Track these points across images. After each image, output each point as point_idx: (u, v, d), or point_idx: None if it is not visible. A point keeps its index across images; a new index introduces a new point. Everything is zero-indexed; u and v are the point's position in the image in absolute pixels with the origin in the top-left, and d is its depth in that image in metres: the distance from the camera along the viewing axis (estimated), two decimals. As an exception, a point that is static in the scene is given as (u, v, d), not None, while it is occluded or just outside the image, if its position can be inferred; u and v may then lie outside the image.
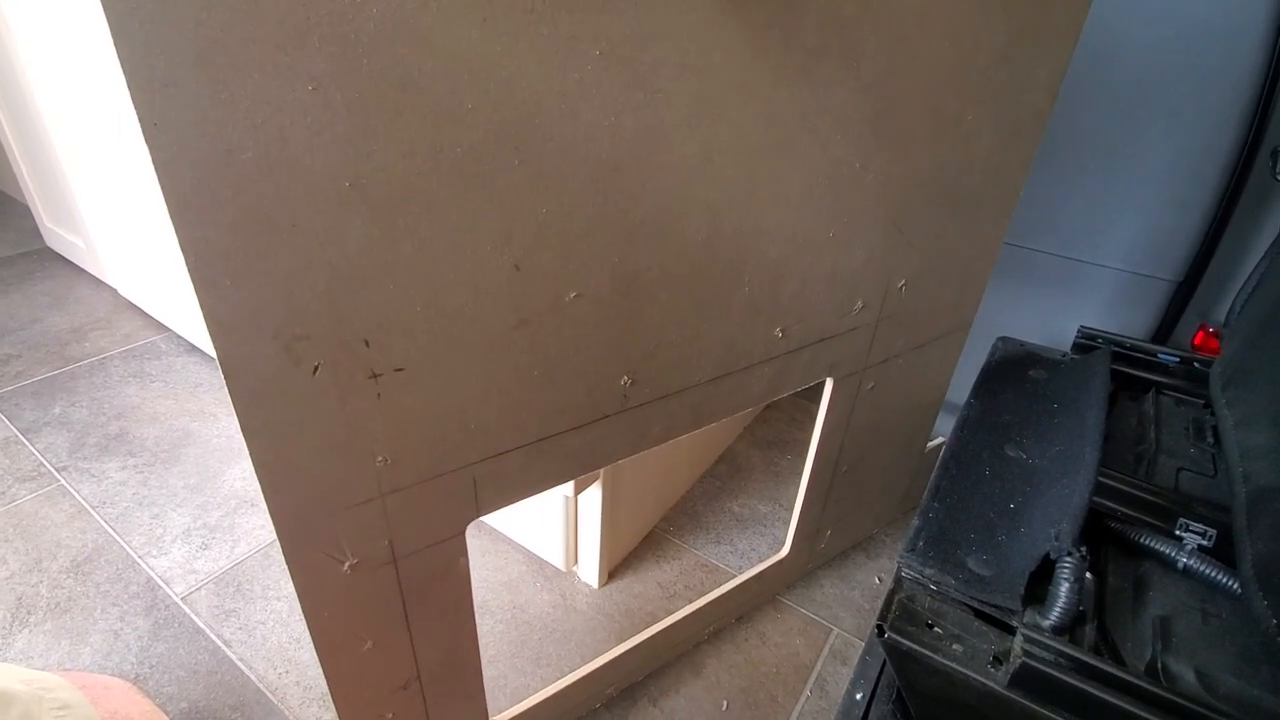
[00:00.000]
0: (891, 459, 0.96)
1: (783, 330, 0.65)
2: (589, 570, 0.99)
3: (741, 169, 0.54)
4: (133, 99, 0.30)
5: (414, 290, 0.43)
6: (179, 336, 1.57)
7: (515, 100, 0.41)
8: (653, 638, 0.78)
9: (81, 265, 1.83)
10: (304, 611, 0.50)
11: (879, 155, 0.61)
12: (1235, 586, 0.57)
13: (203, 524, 1.10)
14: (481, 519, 1.09)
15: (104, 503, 1.13)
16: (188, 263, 0.35)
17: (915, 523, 0.67)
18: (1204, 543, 0.62)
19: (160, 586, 0.99)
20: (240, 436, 1.21)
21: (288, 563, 0.46)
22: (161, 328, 1.61)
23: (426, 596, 0.56)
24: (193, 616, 0.95)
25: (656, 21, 0.44)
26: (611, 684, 0.80)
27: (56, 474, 1.19)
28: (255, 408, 0.40)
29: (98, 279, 1.78)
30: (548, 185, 0.45)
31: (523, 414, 0.53)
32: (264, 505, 1.16)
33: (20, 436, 1.27)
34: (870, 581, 1.05)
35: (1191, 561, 0.61)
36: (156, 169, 0.32)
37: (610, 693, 0.81)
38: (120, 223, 1.47)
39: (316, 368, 0.41)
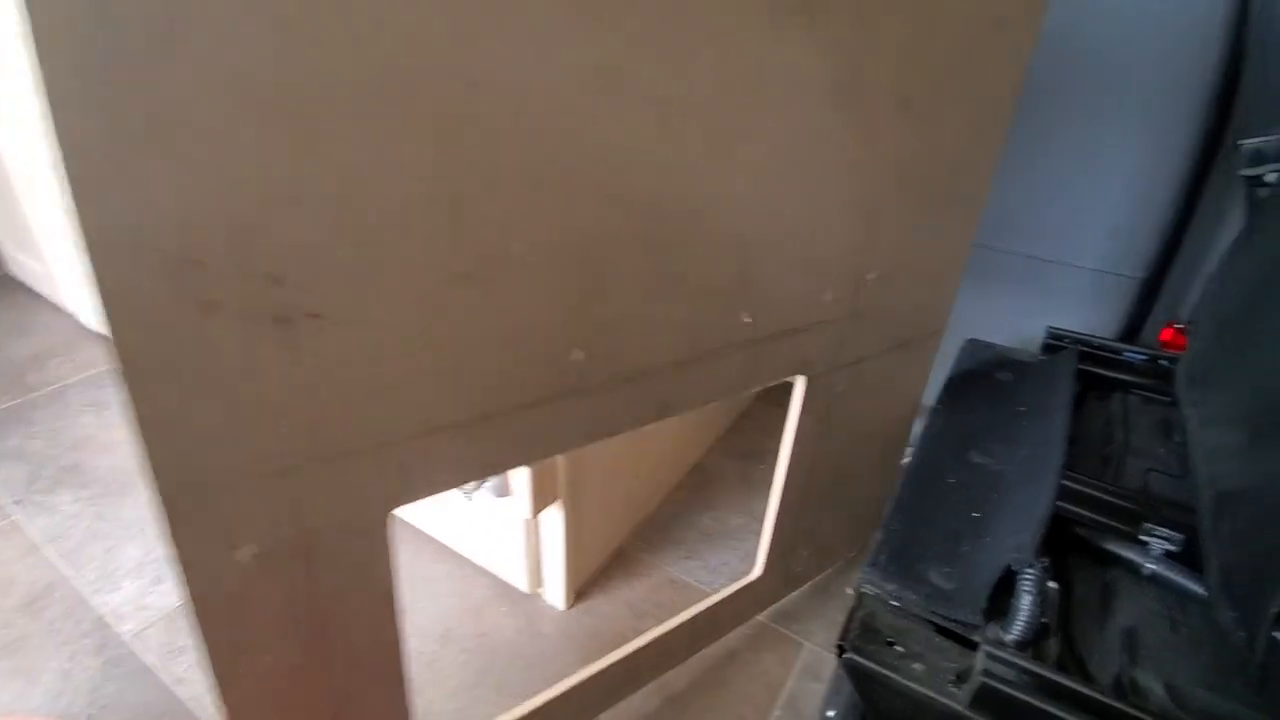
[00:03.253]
0: (867, 474, 0.94)
1: (750, 315, 0.62)
2: (554, 592, 0.96)
3: (697, 125, 0.50)
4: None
5: (331, 218, 0.38)
6: (141, 362, 1.54)
7: (463, 23, 0.37)
8: (612, 666, 0.75)
9: (42, 292, 1.79)
10: (195, 619, 0.43)
11: (843, 131, 0.58)
12: (1203, 592, 0.56)
13: (155, 557, 1.06)
14: (444, 542, 1.06)
15: (57, 537, 1.10)
16: (65, 166, 0.30)
17: (878, 536, 0.65)
18: (1171, 548, 0.60)
19: (110, 625, 0.96)
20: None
21: (173, 552, 0.40)
22: (123, 354, 1.58)
23: (345, 601, 0.50)
24: (143, 655, 0.92)
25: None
26: (574, 714, 0.77)
27: (12, 508, 1.15)
28: (138, 348, 0.34)
29: (58, 306, 1.74)
30: (493, 117, 0.41)
31: (460, 384, 0.48)
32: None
33: (-27, 471, 1.23)
34: (843, 592, 1.03)
35: (1158, 568, 0.59)
36: (35, 40, 0.28)
37: None
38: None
39: (213, 303, 0.36)
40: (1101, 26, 0.95)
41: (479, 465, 0.53)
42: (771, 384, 0.70)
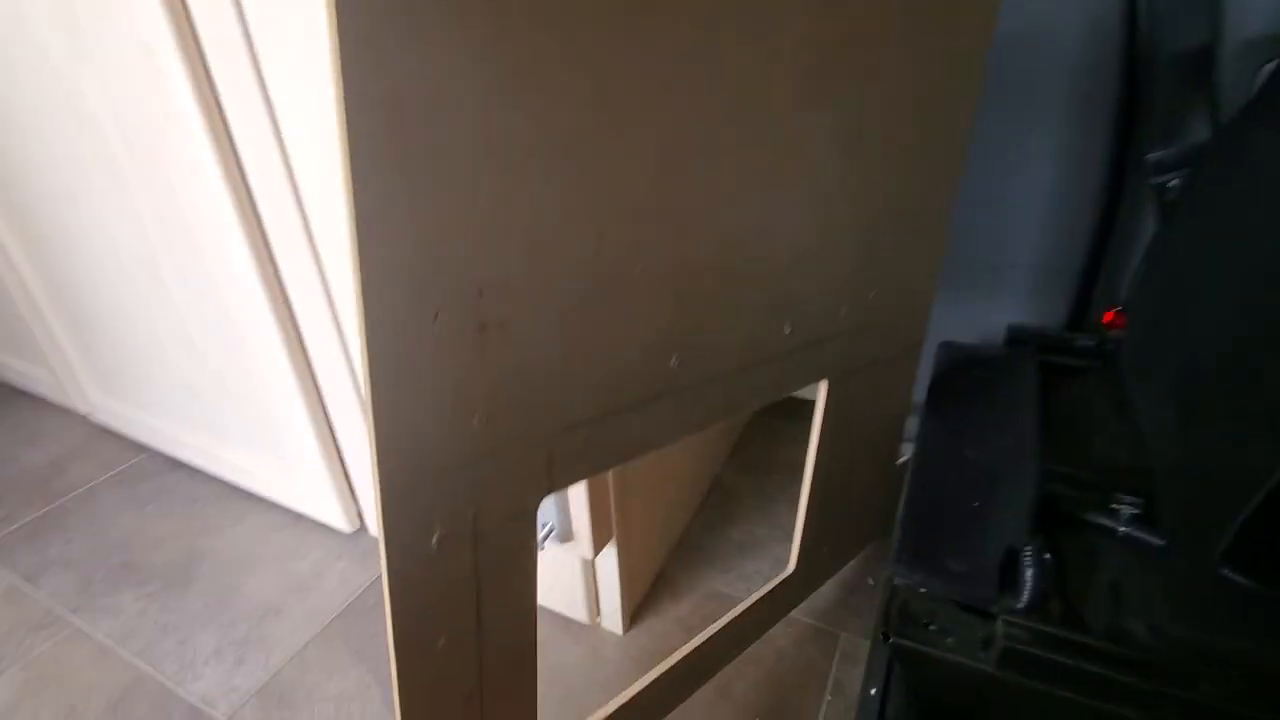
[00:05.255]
0: (871, 472, 1.06)
1: (791, 326, 0.74)
2: (612, 619, 1.06)
3: (755, 175, 0.62)
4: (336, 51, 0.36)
5: (521, 247, 0.47)
6: (161, 454, 1.58)
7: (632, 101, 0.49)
8: (672, 668, 0.85)
9: (44, 397, 1.82)
10: (389, 600, 0.49)
11: (850, 177, 0.71)
12: (1163, 544, 0.68)
13: (231, 640, 1.13)
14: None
15: (126, 637, 1.15)
16: (353, 210, 0.39)
17: (897, 535, 0.77)
18: (1136, 511, 0.72)
19: (203, 710, 1.02)
20: (251, 548, 1.25)
21: (384, 536, 0.47)
22: (141, 448, 1.62)
23: (497, 583, 0.57)
24: (243, 733, 0.99)
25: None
26: (643, 718, 0.86)
27: (70, 615, 1.20)
28: (384, 355, 0.43)
29: (66, 410, 1.77)
30: (632, 169, 0.52)
31: (592, 385, 0.57)
32: (288, 611, 1.18)
33: (22, 585, 1.27)
34: (863, 584, 1.15)
35: (1129, 529, 0.71)
36: (346, 106, 0.37)
37: None
38: (84, 345, 1.49)
39: (437, 314, 0.44)
40: (1015, 59, 1.09)
41: (602, 459, 0.62)
42: (804, 386, 0.82)
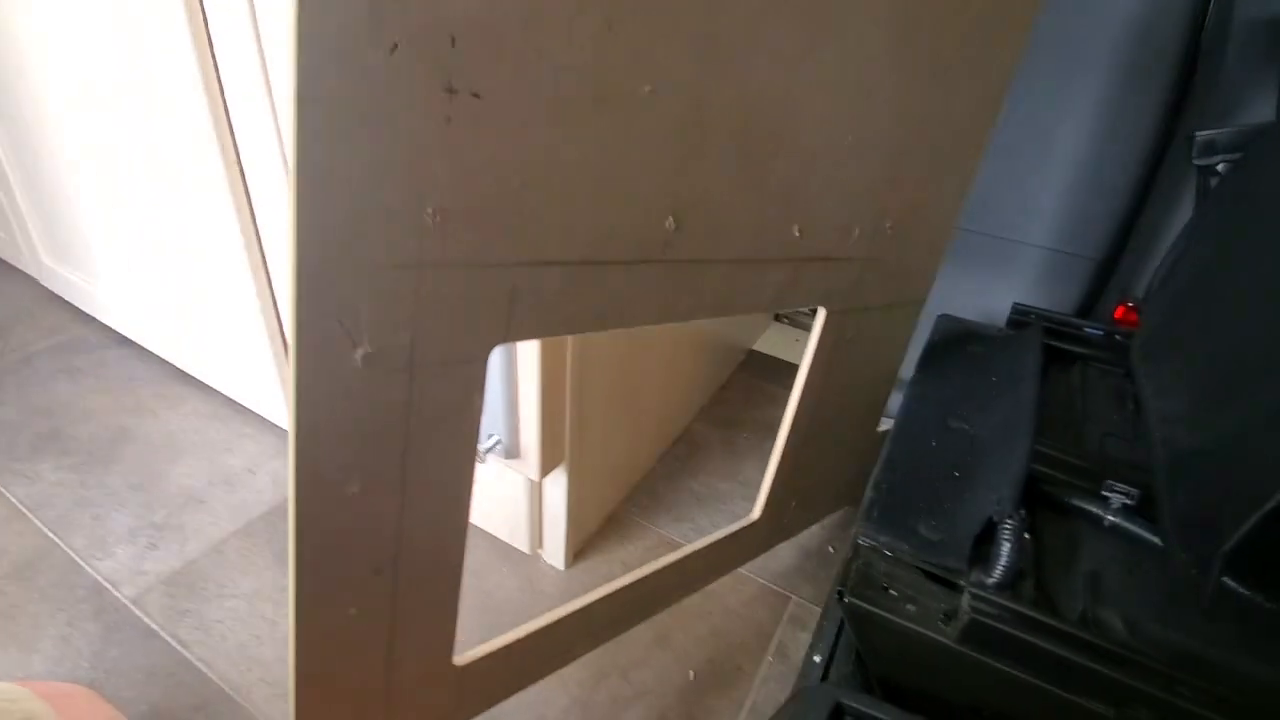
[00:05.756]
0: (851, 432, 1.00)
1: (800, 229, 0.67)
2: (555, 553, 1.01)
3: (793, 35, 0.54)
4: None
5: None
6: (109, 329, 1.50)
7: None
8: (615, 593, 0.79)
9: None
10: (294, 416, 0.41)
11: (889, 82, 0.64)
12: (1157, 541, 0.63)
13: (148, 523, 1.06)
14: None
15: (41, 505, 1.09)
16: None
17: (870, 494, 0.71)
18: (1128, 502, 0.67)
19: (108, 589, 0.96)
20: (183, 435, 1.17)
21: (296, 332, 0.39)
22: (90, 320, 1.53)
23: (430, 440, 0.48)
24: (145, 619, 0.93)
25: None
26: (577, 639, 0.80)
27: (-14, 478, 1.13)
28: (318, 84, 0.34)
29: (15, 268, 1.67)
30: None
31: (573, 220, 0.48)
32: (212, 503, 1.12)
33: (-61, 439, 1.20)
34: (824, 551, 1.10)
35: (1117, 519, 0.66)
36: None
37: (577, 651, 0.81)
38: (42, 206, 1.39)
39: (396, 46, 0.35)
40: (1063, 14, 1.00)
41: (571, 318, 0.53)
42: (801, 306, 0.75)
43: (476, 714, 0.69)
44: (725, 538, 0.89)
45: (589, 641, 0.82)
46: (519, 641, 0.68)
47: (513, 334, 0.49)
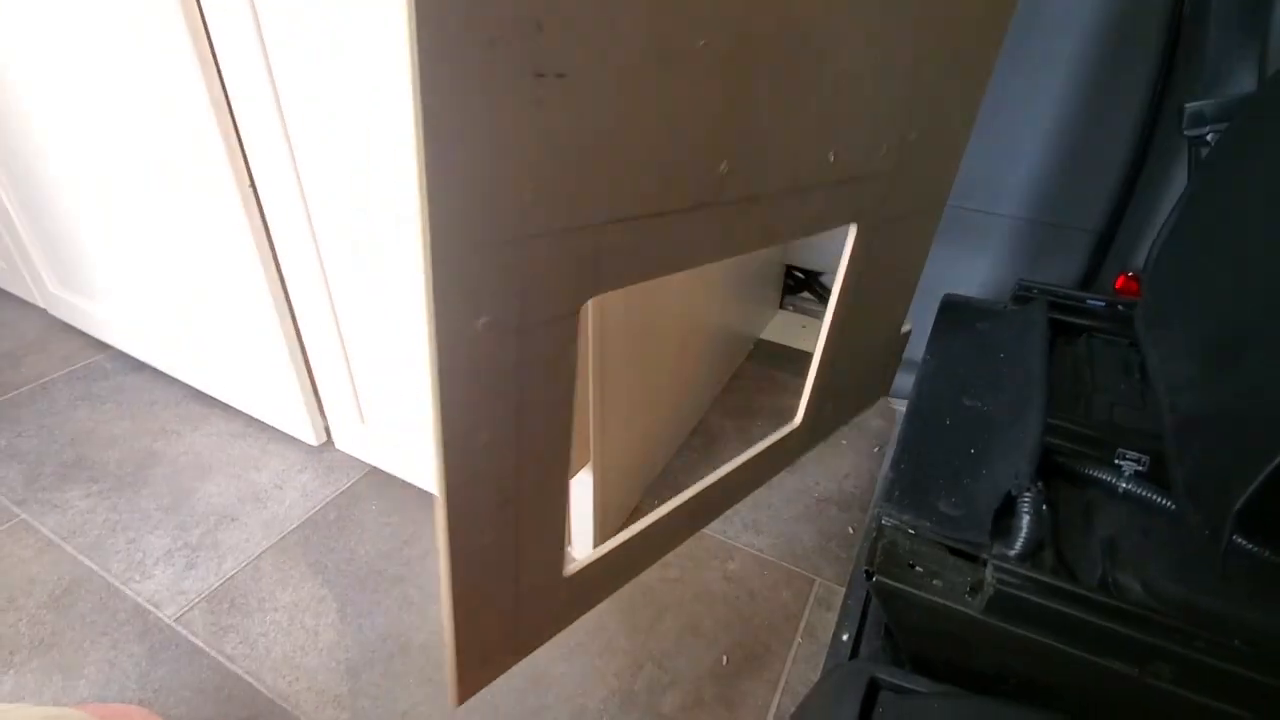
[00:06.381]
0: (878, 335, 1.03)
1: (834, 154, 0.69)
2: (584, 550, 1.03)
3: None
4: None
5: None
6: (123, 354, 1.52)
7: None
8: (680, 505, 0.83)
9: (3, 287, 1.73)
10: (437, 389, 0.47)
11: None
12: (1170, 505, 0.65)
13: (184, 544, 1.09)
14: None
15: (73, 533, 1.11)
16: None
17: (889, 475, 0.73)
18: (1140, 468, 0.70)
19: (150, 610, 0.99)
20: (209, 455, 1.19)
21: (434, 313, 0.45)
22: (103, 346, 1.55)
23: (538, 385, 0.54)
24: (189, 637, 0.95)
25: None
26: (652, 549, 0.84)
27: (15, 508, 1.15)
28: (434, 80, 0.38)
29: (24, 301, 1.69)
30: None
31: (642, 177, 0.53)
32: (244, 520, 1.14)
33: (-32, 474, 1.22)
34: (844, 532, 1.12)
35: (1130, 486, 0.68)
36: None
37: (653, 556, 0.85)
38: (43, 228, 1.40)
39: (493, 40, 0.39)
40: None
41: (644, 265, 0.59)
42: (837, 226, 0.78)
43: (582, 613, 0.76)
44: (772, 445, 0.92)
45: (664, 547, 0.88)
46: (609, 553, 0.75)
47: (599, 288, 0.54)
